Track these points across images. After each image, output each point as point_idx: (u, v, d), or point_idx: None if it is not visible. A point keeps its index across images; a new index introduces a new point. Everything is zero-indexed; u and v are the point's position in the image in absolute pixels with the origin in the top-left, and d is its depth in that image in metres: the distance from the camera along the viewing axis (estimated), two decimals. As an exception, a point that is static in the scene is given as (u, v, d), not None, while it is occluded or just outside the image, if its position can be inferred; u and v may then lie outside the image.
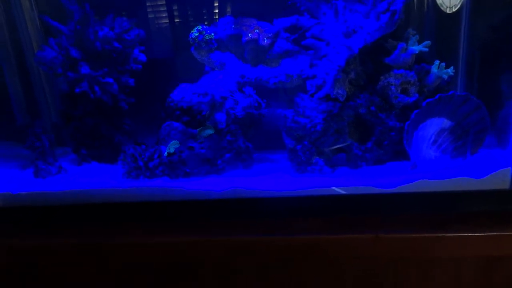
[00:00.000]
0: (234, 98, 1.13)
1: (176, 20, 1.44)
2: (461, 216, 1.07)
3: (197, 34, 1.21)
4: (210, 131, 1.20)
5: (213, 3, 1.41)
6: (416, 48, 1.17)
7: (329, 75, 1.16)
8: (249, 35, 1.23)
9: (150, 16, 1.45)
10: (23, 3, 1.37)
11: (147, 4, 1.43)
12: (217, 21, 1.28)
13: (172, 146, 1.19)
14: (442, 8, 1.13)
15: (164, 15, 1.44)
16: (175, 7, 1.43)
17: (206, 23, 1.41)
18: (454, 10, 1.12)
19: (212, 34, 1.22)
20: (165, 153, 1.19)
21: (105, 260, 1.13)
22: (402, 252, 1.03)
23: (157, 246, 1.09)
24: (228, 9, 1.39)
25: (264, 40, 1.22)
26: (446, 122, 1.16)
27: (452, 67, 1.18)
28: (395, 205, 1.10)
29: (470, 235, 1.01)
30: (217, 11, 1.42)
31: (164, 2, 1.42)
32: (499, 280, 1.04)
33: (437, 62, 1.17)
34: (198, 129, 1.21)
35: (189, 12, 1.44)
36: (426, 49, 1.17)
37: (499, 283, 1.04)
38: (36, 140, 1.26)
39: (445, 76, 1.17)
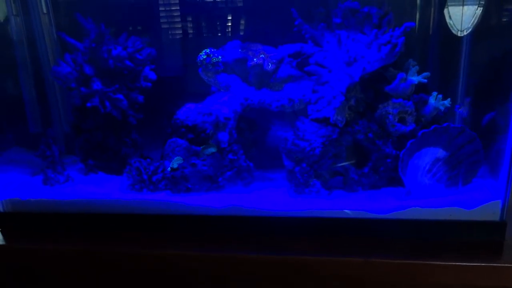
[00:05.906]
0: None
1: (186, 40, 1.49)
2: (451, 245, 1.09)
3: (205, 57, 1.25)
4: (213, 149, 1.24)
5: (223, 27, 1.47)
6: (415, 78, 1.21)
7: (330, 102, 1.20)
8: (255, 59, 1.27)
9: (162, 33, 1.50)
10: (43, 19, 1.44)
11: (161, 24, 1.48)
12: (225, 44, 1.33)
13: (176, 162, 1.23)
14: (453, 31, 1.12)
15: (175, 34, 1.49)
16: (186, 28, 1.48)
17: (219, 34, 1.45)
18: (465, 33, 1.11)
19: (220, 57, 1.26)
20: (169, 168, 1.23)
21: (105, 268, 1.17)
22: (391, 277, 1.05)
23: (155, 257, 1.13)
24: (237, 33, 1.44)
25: (269, 65, 1.26)
26: (441, 152, 1.19)
27: (449, 99, 1.21)
28: (387, 231, 1.13)
29: (459, 264, 1.03)
30: (228, 28, 1.46)
31: (175, 23, 1.47)
32: (486, 311, 1.06)
33: (434, 93, 1.20)
34: (201, 147, 1.25)
35: (198, 35, 1.50)
36: (425, 81, 1.20)
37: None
38: (47, 150, 1.31)
39: (442, 108, 1.20)
